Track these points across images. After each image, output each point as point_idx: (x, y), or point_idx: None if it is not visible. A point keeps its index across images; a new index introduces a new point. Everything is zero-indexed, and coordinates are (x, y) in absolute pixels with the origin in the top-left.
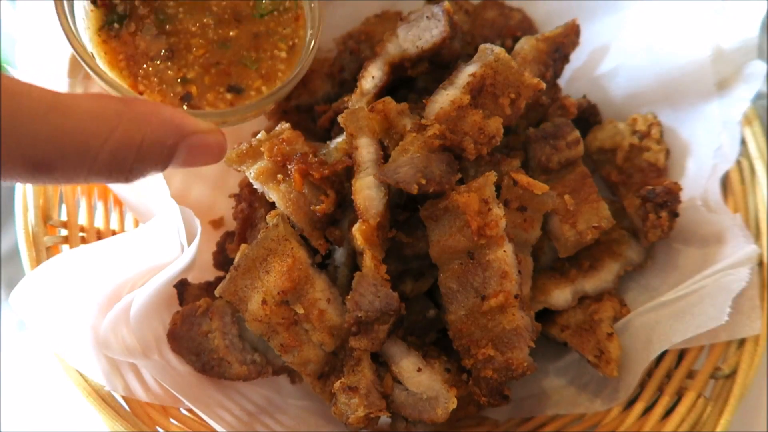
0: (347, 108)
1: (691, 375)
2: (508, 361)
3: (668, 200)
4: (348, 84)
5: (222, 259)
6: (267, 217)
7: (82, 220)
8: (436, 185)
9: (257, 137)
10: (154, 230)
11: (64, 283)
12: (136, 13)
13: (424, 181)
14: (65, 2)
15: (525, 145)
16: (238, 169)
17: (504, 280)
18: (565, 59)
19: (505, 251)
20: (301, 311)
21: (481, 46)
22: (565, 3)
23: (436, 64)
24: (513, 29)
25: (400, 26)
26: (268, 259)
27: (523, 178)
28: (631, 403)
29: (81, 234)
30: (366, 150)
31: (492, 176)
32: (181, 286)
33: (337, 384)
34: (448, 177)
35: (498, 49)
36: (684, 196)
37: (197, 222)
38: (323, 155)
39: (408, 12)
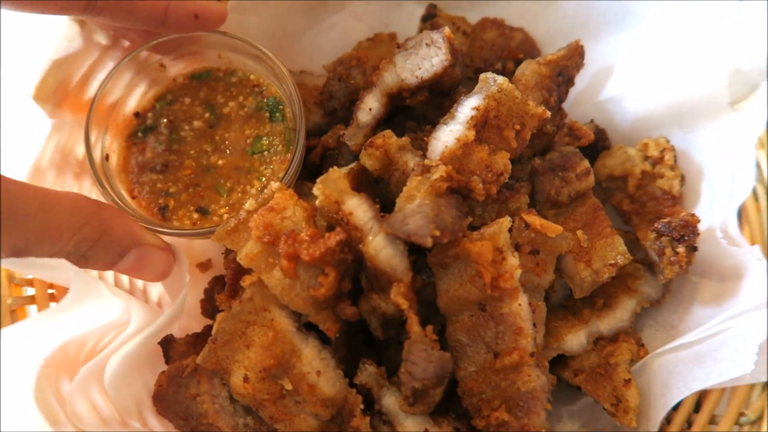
0: (341, 140)
1: (713, 420)
2: (523, 428)
3: (686, 234)
4: (338, 113)
5: (210, 308)
6: (242, 282)
7: None
8: (449, 234)
9: (245, 207)
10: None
11: (23, 350)
12: (158, 128)
13: (438, 233)
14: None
15: (531, 176)
16: (230, 247)
17: (519, 337)
18: (570, 82)
19: (519, 304)
20: (288, 386)
21: (482, 76)
22: (566, 22)
23: (436, 92)
24: (514, 51)
25: (397, 54)
26: (248, 332)
27: (535, 221)
28: None
29: (50, 291)
30: (360, 210)
31: (506, 223)
32: (167, 343)
33: None
34: (459, 223)
35: (501, 79)
36: (701, 226)
37: (186, 276)
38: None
39: (405, 38)
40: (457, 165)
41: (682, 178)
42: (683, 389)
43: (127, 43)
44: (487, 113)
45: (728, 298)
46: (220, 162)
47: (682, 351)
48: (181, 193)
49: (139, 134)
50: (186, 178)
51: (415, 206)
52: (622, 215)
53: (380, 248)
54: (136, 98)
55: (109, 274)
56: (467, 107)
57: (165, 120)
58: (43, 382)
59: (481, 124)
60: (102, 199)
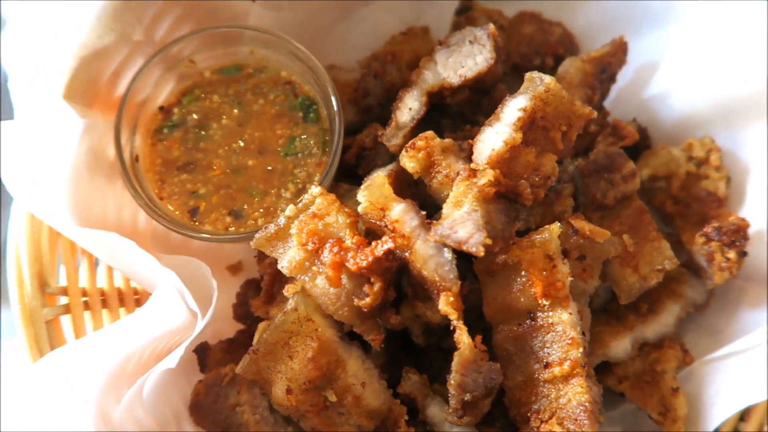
0: (378, 139)
1: (762, 428)
2: None
3: (737, 239)
4: (374, 111)
5: (243, 313)
6: (284, 291)
7: (84, 281)
8: (501, 242)
9: (285, 213)
10: (157, 305)
11: (67, 377)
12: (185, 124)
13: (489, 241)
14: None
15: (574, 177)
16: (269, 254)
17: (570, 347)
18: (612, 79)
19: (570, 313)
20: (333, 398)
21: (528, 75)
22: (606, 16)
23: (476, 90)
24: (554, 46)
25: (437, 51)
26: (291, 342)
27: (584, 226)
28: None
29: (84, 299)
30: (407, 217)
31: (557, 229)
32: (202, 351)
33: None
34: (509, 230)
35: (548, 79)
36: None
37: (213, 282)
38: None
39: (438, 32)
40: (504, 168)
41: (728, 180)
42: (736, 402)
43: (158, 38)
44: (534, 114)
45: None
46: (250, 162)
47: (732, 359)
48: (212, 195)
49: (165, 130)
50: (216, 178)
51: (464, 213)
52: (664, 217)
53: (428, 257)
54: (164, 95)
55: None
56: (513, 108)
57: (192, 116)
58: (107, 392)
59: (528, 126)
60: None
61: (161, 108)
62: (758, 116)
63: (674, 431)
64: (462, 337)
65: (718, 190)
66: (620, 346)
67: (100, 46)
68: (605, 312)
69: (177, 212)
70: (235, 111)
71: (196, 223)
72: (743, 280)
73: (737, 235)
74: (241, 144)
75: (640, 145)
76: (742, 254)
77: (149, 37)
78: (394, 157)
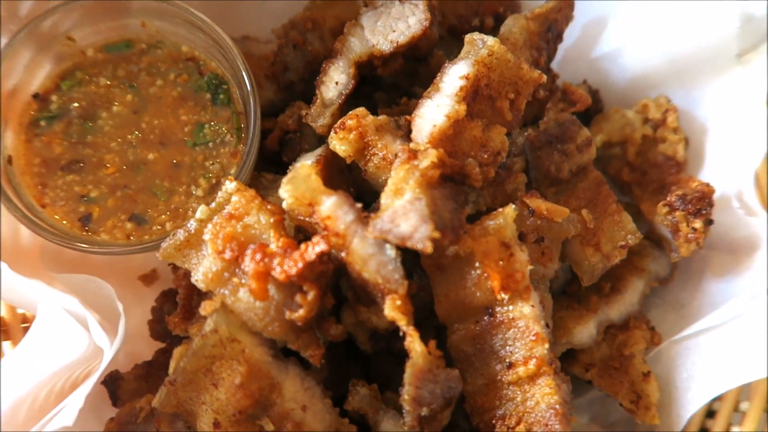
0: (303, 120)
1: (737, 409)
2: None
3: (702, 207)
4: (295, 87)
5: (161, 330)
6: (201, 310)
7: None
8: (451, 234)
9: (196, 215)
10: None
11: None
12: (68, 114)
13: (437, 234)
14: None
15: (524, 150)
16: (181, 266)
17: (534, 344)
18: (559, 38)
19: (532, 306)
20: (270, 428)
21: (468, 38)
22: None
23: (410, 58)
24: (493, 4)
25: (364, 14)
26: (214, 368)
27: (541, 206)
28: None
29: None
30: (341, 212)
31: (512, 212)
32: (113, 382)
33: None
34: (459, 217)
35: (491, 41)
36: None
37: (119, 305)
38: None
39: None
40: (448, 147)
41: (686, 142)
42: (711, 387)
43: (24, 12)
44: (477, 82)
45: (742, 272)
46: (151, 156)
47: (702, 337)
48: (107, 198)
49: (42, 123)
50: (110, 178)
51: (406, 202)
52: (620, 186)
53: (368, 256)
54: (39, 80)
55: None
56: (454, 77)
57: (75, 105)
58: None
59: (472, 96)
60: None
61: (36, 96)
62: (714, 72)
63: (648, 421)
64: (414, 344)
65: (676, 153)
66: (585, 332)
67: None
68: (565, 294)
69: (65, 222)
70: (128, 96)
71: (89, 234)
72: (707, 250)
73: (703, 203)
74: (138, 135)
75: (592, 109)
76: (708, 223)
77: (11, 11)
78: (322, 139)
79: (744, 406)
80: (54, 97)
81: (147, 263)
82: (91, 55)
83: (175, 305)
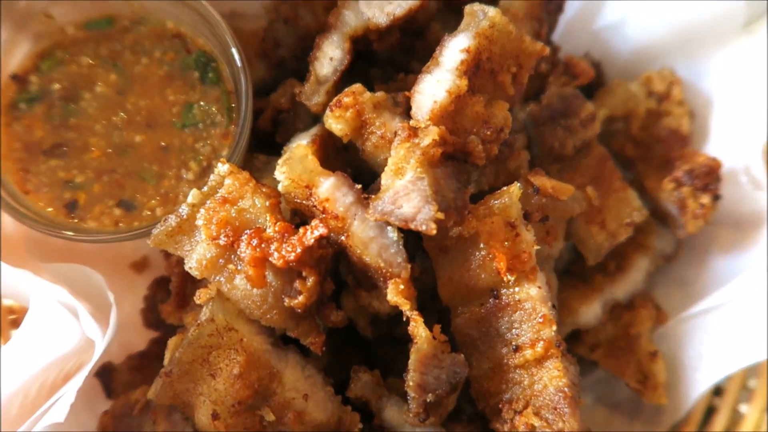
0: (296, 98)
1: (744, 386)
2: None
3: (709, 182)
4: (287, 64)
5: (154, 319)
6: (196, 298)
7: None
8: (455, 215)
9: (188, 200)
10: (38, 327)
11: None
12: (49, 96)
13: (442, 215)
14: None
15: (526, 126)
16: (173, 253)
17: (542, 326)
18: (560, 9)
19: (539, 287)
20: (271, 417)
21: (468, 9)
22: None
23: (407, 32)
24: None
25: None
26: (211, 358)
27: (545, 184)
28: (675, 426)
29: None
30: (339, 194)
31: (517, 191)
32: (106, 374)
33: None
34: (462, 197)
35: (492, 12)
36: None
37: (110, 295)
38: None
39: None
40: (449, 124)
41: (691, 115)
42: (722, 366)
43: None
44: (479, 56)
45: (749, 248)
46: (138, 139)
47: (711, 315)
48: (93, 184)
49: (22, 105)
50: (95, 162)
51: (408, 182)
52: (624, 162)
53: (369, 240)
54: (16, 61)
55: None
56: (454, 50)
57: (56, 86)
58: None
59: (473, 70)
60: None
61: (14, 77)
62: (719, 43)
63: (655, 401)
64: (418, 330)
65: (681, 127)
66: (590, 312)
67: None
68: (569, 274)
69: (50, 209)
70: (112, 76)
71: (76, 221)
72: (712, 225)
73: (710, 178)
74: (124, 117)
75: (594, 83)
76: (716, 198)
77: None
78: (317, 118)
79: (752, 383)
80: (33, 78)
81: (138, 250)
82: (72, 33)
83: (168, 293)
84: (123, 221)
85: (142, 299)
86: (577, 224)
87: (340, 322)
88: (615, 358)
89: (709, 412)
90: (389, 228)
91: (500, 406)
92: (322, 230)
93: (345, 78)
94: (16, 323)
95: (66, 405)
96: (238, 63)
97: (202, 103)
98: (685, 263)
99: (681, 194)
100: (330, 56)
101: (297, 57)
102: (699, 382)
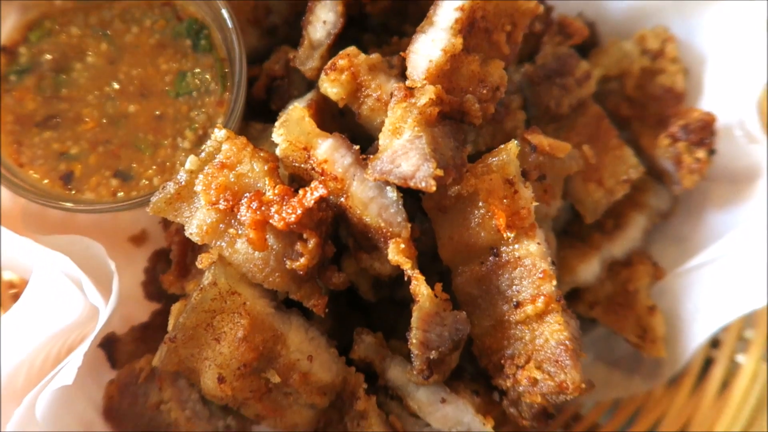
0: (290, 64)
1: (741, 337)
2: (561, 386)
3: (704, 137)
4: (280, 31)
5: (155, 291)
6: (198, 263)
7: None
8: (454, 172)
9: (186, 166)
10: (41, 297)
11: None
12: (39, 68)
13: (441, 172)
14: None
15: (522, 87)
16: (173, 220)
17: (542, 281)
18: None
19: (538, 243)
20: (276, 379)
21: None
22: None
23: None
24: None
25: None
26: (215, 323)
27: (542, 142)
28: (674, 380)
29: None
30: (337, 155)
31: (515, 148)
32: (110, 345)
33: None
34: (460, 155)
35: None
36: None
37: (110, 263)
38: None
39: None
40: (445, 83)
41: (685, 72)
42: (718, 317)
43: None
44: (473, 14)
45: (743, 202)
46: (131, 109)
47: (707, 268)
48: (88, 155)
49: (12, 77)
50: (89, 133)
51: (406, 141)
52: (619, 121)
53: (369, 200)
54: (5, 33)
55: None
56: (449, 9)
57: (46, 56)
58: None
59: (468, 29)
60: None
61: (3, 49)
62: None
63: (654, 354)
64: (419, 288)
65: (675, 84)
66: (588, 270)
67: None
68: (567, 234)
69: (45, 180)
70: (103, 45)
71: (73, 192)
72: (707, 181)
73: (705, 132)
74: (116, 86)
75: (588, 42)
76: (711, 152)
77: None
78: (311, 85)
79: (748, 333)
80: (23, 50)
81: (136, 223)
82: (60, 3)
83: (169, 265)
84: (121, 191)
85: (142, 272)
86: (575, 183)
87: (342, 284)
88: (614, 314)
89: (707, 364)
90: (388, 188)
91: (502, 362)
92: (322, 191)
93: (338, 44)
94: (16, 297)
95: (73, 368)
96: (231, 29)
97: (195, 70)
98: (682, 220)
99: (676, 149)
100: (323, 20)
101: (289, 24)
102: (697, 334)
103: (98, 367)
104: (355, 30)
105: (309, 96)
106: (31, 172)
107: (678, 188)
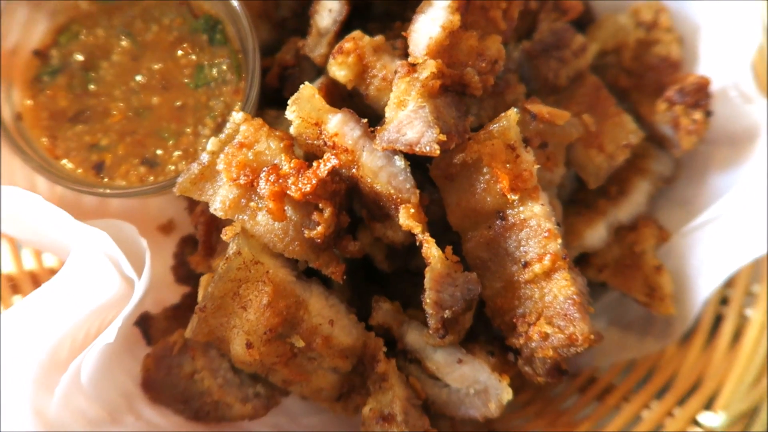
0: (300, 52)
1: (749, 292)
2: (571, 338)
3: (700, 98)
4: (289, 24)
5: (184, 274)
6: (222, 236)
7: None
8: (456, 137)
9: (207, 147)
10: (80, 275)
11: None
12: (69, 68)
13: (444, 137)
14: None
15: (520, 63)
16: (198, 199)
17: (548, 240)
18: None
19: (542, 204)
20: (300, 343)
21: None
22: None
23: None
24: None
25: None
26: (241, 291)
27: (542, 110)
28: (686, 338)
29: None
30: (347, 128)
31: (514, 115)
32: (145, 323)
33: (367, 410)
34: (462, 124)
35: None
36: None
37: (142, 241)
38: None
39: None
40: (445, 58)
41: (680, 40)
42: (722, 268)
43: None
44: None
45: (744, 162)
46: (155, 101)
47: (709, 226)
48: (117, 145)
49: (45, 78)
50: (117, 125)
51: (410, 112)
52: (618, 93)
53: (378, 168)
54: (37, 37)
55: None
56: None
57: (75, 57)
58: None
59: (465, 7)
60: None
61: (36, 53)
62: None
63: (663, 311)
64: (431, 250)
65: (671, 53)
66: (595, 235)
67: None
68: (573, 202)
69: (79, 170)
70: (126, 44)
71: (105, 180)
72: (708, 145)
73: (700, 94)
74: (140, 80)
75: (584, 18)
76: (708, 114)
77: None
78: (321, 72)
79: (755, 288)
80: (53, 52)
81: (163, 213)
82: (85, 7)
83: (196, 249)
84: (150, 176)
85: (171, 257)
86: (576, 150)
87: (358, 252)
88: (622, 276)
89: (718, 320)
90: (396, 157)
91: (514, 321)
92: (334, 161)
93: (344, 33)
94: (14, 291)
95: (114, 328)
96: (244, 22)
97: (212, 63)
98: (684, 184)
99: (674, 113)
100: (329, 8)
101: (298, 16)
102: (703, 288)
103: (135, 344)
104: (359, 21)
105: (319, 81)
106: (66, 163)
107: (678, 151)
